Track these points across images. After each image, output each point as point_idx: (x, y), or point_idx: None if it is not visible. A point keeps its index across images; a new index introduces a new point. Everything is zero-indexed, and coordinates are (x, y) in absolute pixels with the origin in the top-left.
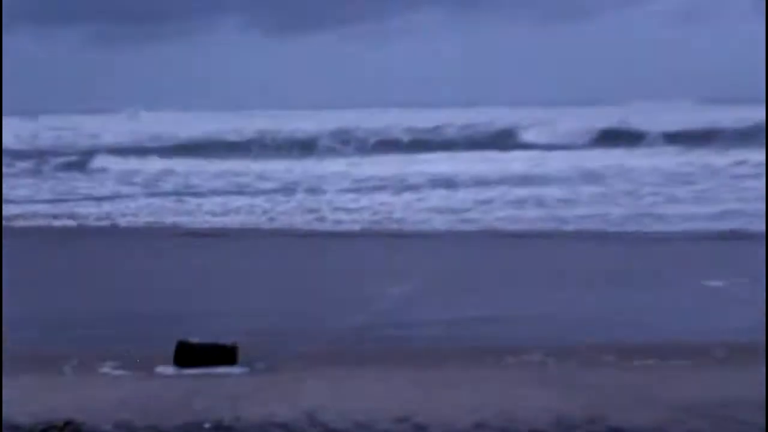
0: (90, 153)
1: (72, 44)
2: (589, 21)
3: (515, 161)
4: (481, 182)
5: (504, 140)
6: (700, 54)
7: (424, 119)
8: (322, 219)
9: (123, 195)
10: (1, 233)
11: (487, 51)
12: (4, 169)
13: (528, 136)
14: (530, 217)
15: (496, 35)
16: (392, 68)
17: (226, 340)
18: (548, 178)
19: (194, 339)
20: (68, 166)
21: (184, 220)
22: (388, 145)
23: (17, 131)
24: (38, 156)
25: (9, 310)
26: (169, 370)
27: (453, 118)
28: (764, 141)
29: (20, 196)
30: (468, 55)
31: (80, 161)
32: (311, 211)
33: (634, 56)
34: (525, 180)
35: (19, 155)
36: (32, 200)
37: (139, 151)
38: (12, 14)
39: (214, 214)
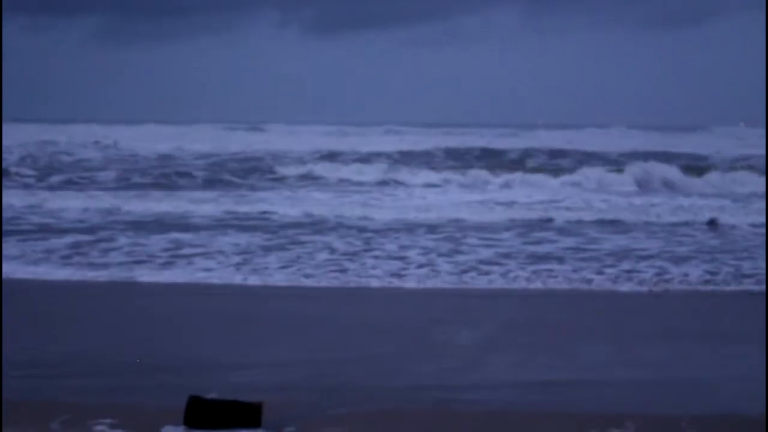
0: None
1: (72, 40)
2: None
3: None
4: None
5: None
6: None
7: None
8: None
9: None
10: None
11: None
12: None
13: None
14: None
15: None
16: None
17: (248, 397)
18: None
19: (210, 394)
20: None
21: None
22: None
23: None
24: None
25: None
26: (178, 431)
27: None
28: None
29: None
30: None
31: None
32: None
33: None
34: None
35: None
36: None
37: None
38: (24, 5)
39: None
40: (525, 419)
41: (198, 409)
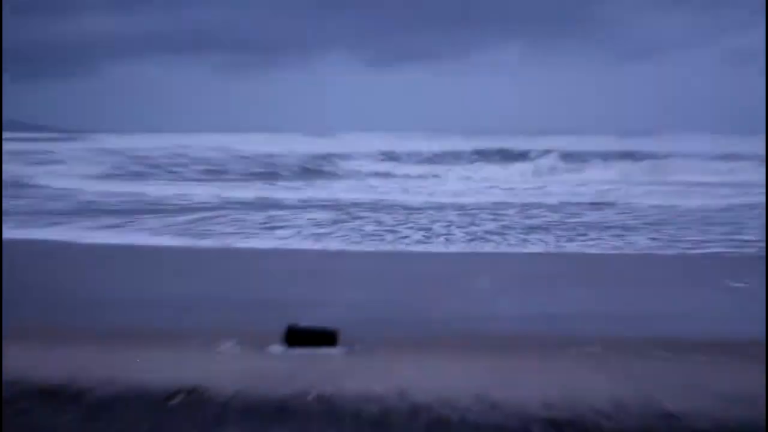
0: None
1: (202, 71)
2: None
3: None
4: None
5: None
6: None
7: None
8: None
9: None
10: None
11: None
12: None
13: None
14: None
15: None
16: (474, 95)
17: (327, 325)
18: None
19: (301, 323)
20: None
21: None
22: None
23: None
24: None
25: (146, 293)
26: (279, 349)
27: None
28: None
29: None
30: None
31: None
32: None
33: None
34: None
35: None
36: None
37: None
38: (151, 45)
39: None
40: (522, 340)
41: (293, 334)
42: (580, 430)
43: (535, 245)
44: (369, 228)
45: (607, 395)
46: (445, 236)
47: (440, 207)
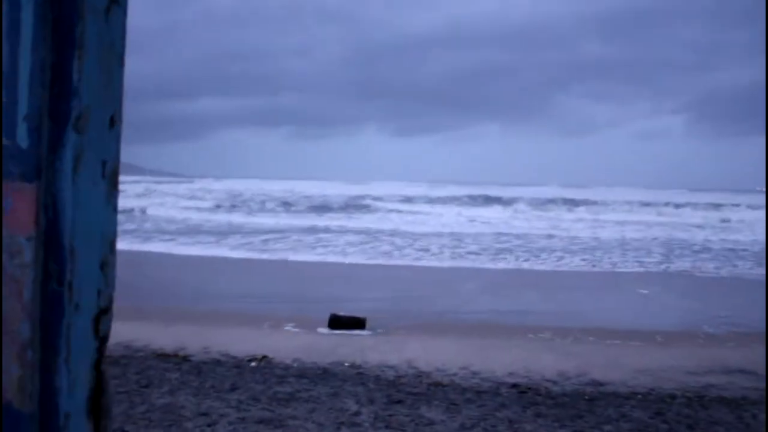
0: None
1: (278, 137)
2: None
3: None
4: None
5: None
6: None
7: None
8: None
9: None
10: None
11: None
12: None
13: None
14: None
15: (523, 141)
16: (466, 156)
17: (360, 315)
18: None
19: (340, 312)
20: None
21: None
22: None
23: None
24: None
25: (232, 289)
26: (325, 330)
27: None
28: None
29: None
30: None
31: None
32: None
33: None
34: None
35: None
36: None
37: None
38: (245, 119)
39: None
40: (495, 327)
41: (335, 320)
42: (534, 391)
43: (503, 262)
44: (385, 248)
45: (554, 367)
46: (437, 254)
47: (438, 234)
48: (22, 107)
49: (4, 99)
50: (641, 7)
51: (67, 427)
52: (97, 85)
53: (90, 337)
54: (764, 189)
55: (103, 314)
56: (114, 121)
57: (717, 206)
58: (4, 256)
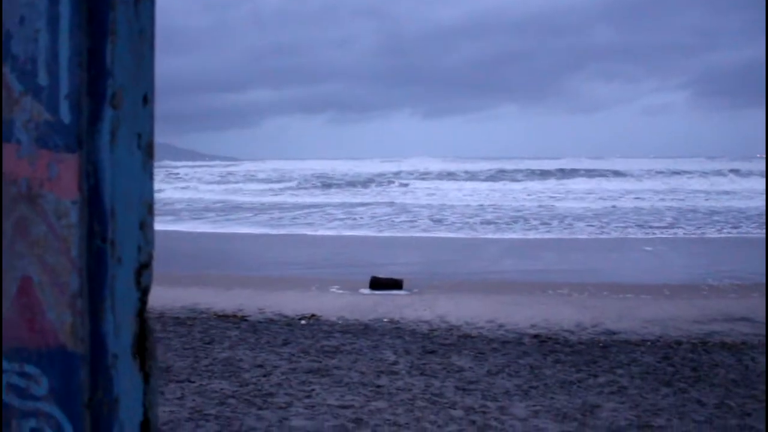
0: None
1: (318, 122)
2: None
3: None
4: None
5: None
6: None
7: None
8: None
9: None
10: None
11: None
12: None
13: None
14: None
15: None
16: (490, 133)
17: (397, 277)
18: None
19: (380, 275)
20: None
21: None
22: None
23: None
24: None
25: (284, 259)
26: (367, 291)
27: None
28: None
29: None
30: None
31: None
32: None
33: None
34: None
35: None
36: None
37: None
38: (291, 107)
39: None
40: (517, 285)
41: (375, 282)
42: (554, 341)
43: (532, 231)
44: (416, 220)
45: (571, 319)
46: (462, 225)
47: (453, 206)
48: (64, 87)
49: (47, 80)
50: None
51: (114, 366)
52: (129, 67)
53: (132, 287)
54: (764, 155)
55: (144, 268)
56: (147, 99)
57: (718, 172)
58: (53, 218)
